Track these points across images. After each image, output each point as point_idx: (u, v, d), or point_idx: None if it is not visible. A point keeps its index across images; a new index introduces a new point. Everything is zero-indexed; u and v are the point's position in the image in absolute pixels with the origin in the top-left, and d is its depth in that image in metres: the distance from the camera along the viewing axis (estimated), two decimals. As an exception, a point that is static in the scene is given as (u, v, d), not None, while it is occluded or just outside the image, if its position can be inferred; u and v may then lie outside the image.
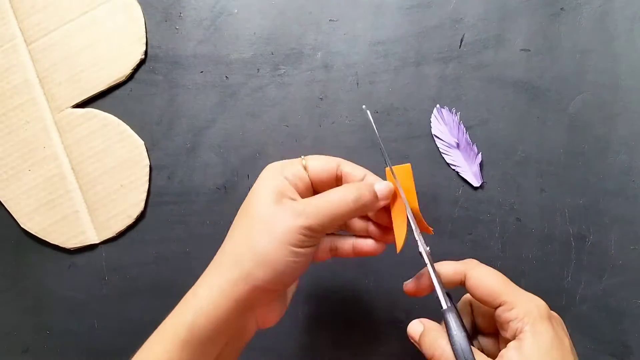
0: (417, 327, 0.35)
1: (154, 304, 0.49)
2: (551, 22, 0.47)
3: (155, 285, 0.49)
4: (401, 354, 0.46)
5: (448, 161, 0.48)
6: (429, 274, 0.35)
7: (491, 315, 0.34)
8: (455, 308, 0.34)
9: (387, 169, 0.36)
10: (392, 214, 0.36)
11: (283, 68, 0.49)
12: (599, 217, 0.46)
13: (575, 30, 0.47)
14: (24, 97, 0.50)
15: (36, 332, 0.50)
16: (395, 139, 0.48)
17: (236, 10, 0.50)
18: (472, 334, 0.37)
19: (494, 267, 0.34)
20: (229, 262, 0.35)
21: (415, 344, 0.36)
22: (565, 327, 0.34)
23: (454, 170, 0.47)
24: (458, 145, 0.47)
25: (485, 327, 0.37)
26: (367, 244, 0.38)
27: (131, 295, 0.50)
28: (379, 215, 0.37)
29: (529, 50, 0.47)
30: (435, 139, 0.48)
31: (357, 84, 0.49)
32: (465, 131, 0.47)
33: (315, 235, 0.34)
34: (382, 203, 0.36)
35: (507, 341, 0.32)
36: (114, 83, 0.50)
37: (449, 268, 0.35)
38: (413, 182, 0.36)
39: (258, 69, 0.50)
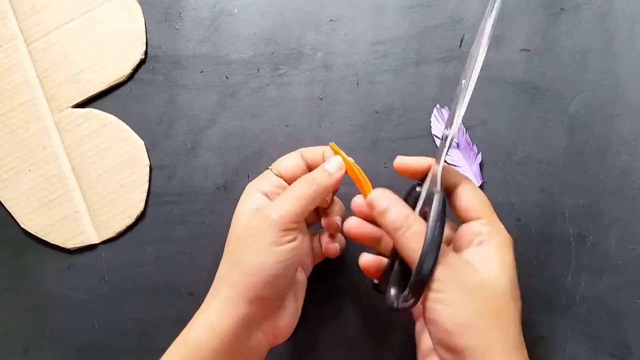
0: (382, 201, 0.35)
1: (154, 304, 0.49)
2: (551, 22, 0.47)
3: (155, 285, 0.49)
4: (401, 354, 0.46)
5: (448, 161, 0.48)
6: (434, 158, 0.36)
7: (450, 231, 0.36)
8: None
9: (331, 144, 0.39)
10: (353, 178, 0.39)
11: (283, 68, 0.49)
12: (599, 217, 0.46)
13: (575, 30, 0.47)
14: (24, 97, 0.50)
15: (36, 332, 0.50)
16: (395, 139, 0.48)
17: (236, 10, 0.50)
18: None
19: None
20: (222, 283, 0.36)
21: (370, 215, 0.36)
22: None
23: (454, 170, 0.47)
24: (458, 145, 0.47)
25: None
26: (327, 240, 0.41)
27: (131, 295, 0.50)
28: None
29: (529, 50, 0.47)
30: (435, 139, 0.48)
31: (357, 84, 0.49)
32: (465, 131, 0.47)
33: (290, 226, 0.35)
34: (336, 175, 0.38)
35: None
36: (114, 83, 0.50)
37: (450, 169, 0.36)
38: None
39: (258, 69, 0.50)
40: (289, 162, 0.40)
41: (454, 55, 0.48)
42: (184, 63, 0.50)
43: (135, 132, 0.50)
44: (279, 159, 0.41)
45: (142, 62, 0.50)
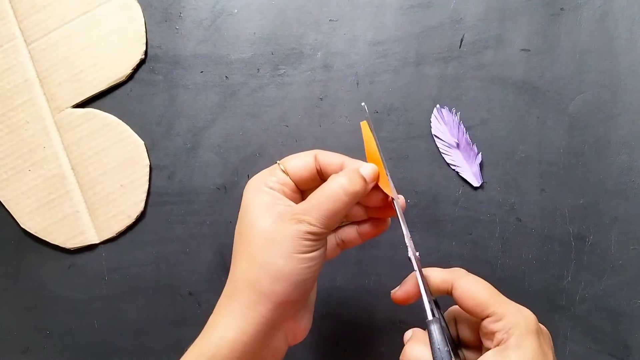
0: (407, 335, 0.35)
1: (154, 304, 0.49)
2: (551, 22, 0.47)
3: (155, 285, 0.49)
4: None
5: (448, 161, 0.48)
6: (417, 280, 0.34)
7: (476, 327, 0.34)
8: (442, 318, 0.33)
9: (363, 122, 0.37)
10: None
11: (283, 68, 0.49)
12: (599, 217, 0.46)
13: (575, 30, 0.47)
14: (24, 97, 0.50)
15: (36, 332, 0.50)
16: (395, 139, 0.48)
17: (236, 10, 0.50)
18: (456, 345, 0.36)
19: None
20: (243, 286, 0.33)
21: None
22: (552, 342, 0.33)
23: (454, 170, 0.47)
24: (458, 145, 0.47)
25: (469, 339, 0.36)
26: (371, 226, 0.38)
27: (131, 295, 0.50)
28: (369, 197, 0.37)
29: (529, 50, 0.47)
30: (435, 139, 0.48)
31: (357, 84, 0.49)
32: (465, 131, 0.47)
33: (321, 237, 0.33)
34: (371, 185, 0.35)
35: None
36: (114, 83, 0.50)
37: (436, 276, 0.35)
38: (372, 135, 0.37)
39: (258, 69, 0.50)
40: (300, 161, 0.37)
41: (454, 55, 0.48)
42: (184, 63, 0.50)
43: (135, 132, 0.50)
44: (289, 156, 0.38)
45: (142, 62, 0.50)
